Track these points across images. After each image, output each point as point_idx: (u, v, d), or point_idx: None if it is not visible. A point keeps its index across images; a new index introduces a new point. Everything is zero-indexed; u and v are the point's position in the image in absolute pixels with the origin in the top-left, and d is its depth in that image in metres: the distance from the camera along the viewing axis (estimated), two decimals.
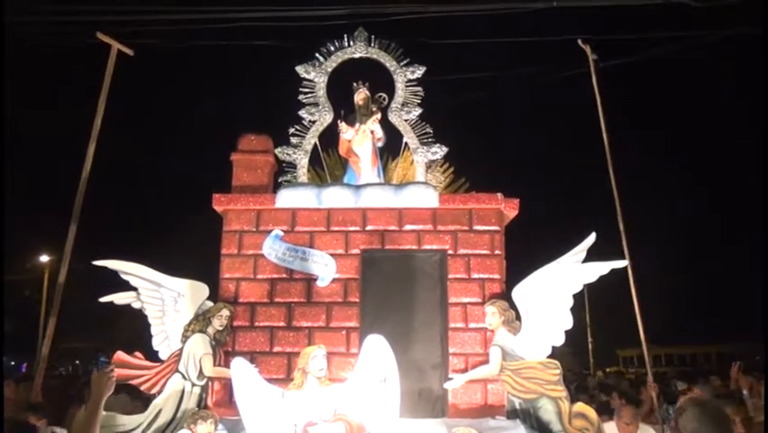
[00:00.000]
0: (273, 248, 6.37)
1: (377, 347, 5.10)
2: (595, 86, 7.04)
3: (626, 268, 6.18)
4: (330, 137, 7.32)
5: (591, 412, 5.73)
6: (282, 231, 6.42)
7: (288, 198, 6.51)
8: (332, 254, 6.34)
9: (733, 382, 7.13)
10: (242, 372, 5.10)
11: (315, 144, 7.17)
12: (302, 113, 7.20)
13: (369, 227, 6.44)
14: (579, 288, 5.97)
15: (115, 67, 6.34)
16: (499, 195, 6.45)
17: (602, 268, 5.94)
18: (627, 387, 10.03)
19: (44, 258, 24.61)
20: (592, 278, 5.95)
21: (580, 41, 7.32)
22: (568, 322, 5.92)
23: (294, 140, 7.11)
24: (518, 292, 6.00)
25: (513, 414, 5.79)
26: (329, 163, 7.41)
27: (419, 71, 7.28)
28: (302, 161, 7.07)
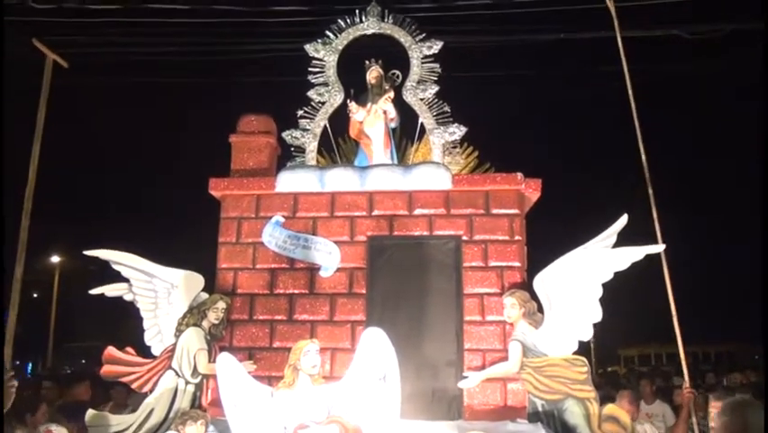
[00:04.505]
0: (273, 235, 5.93)
1: (376, 342, 4.60)
2: (620, 47, 6.35)
3: (657, 255, 5.53)
4: (342, 120, 6.86)
5: (624, 415, 5.14)
6: (283, 217, 5.98)
7: (288, 182, 6.06)
8: (336, 242, 5.88)
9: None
10: (228, 368, 4.67)
11: (326, 127, 6.71)
12: (311, 93, 6.76)
13: (376, 212, 5.94)
14: (609, 276, 5.34)
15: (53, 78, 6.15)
16: (519, 175, 5.86)
17: (635, 253, 5.29)
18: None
19: (55, 258, 25.10)
20: (624, 265, 5.30)
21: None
22: (597, 314, 5.31)
23: (302, 122, 6.67)
24: (541, 281, 5.42)
25: (535, 417, 5.23)
26: (344, 148, 6.95)
27: (436, 46, 6.76)
28: (311, 144, 6.63)
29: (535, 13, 9.37)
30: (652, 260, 5.31)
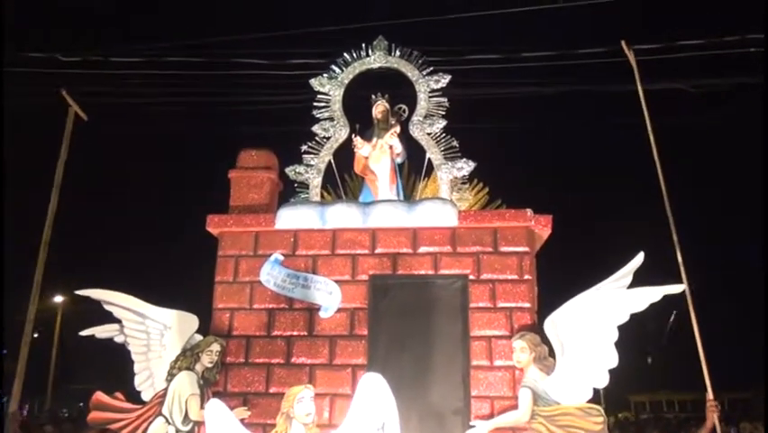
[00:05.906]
0: (272, 274, 5.70)
1: (374, 388, 4.31)
2: (640, 89, 6.19)
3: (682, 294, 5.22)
4: (347, 156, 6.68)
5: None
6: (282, 255, 5.75)
7: (288, 218, 5.86)
8: (337, 281, 5.63)
9: None
10: (217, 416, 4.40)
11: (330, 163, 6.53)
12: (316, 128, 6.61)
13: (378, 250, 5.70)
14: (625, 318, 5.03)
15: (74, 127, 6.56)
16: (529, 211, 5.61)
17: (653, 294, 4.99)
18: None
19: (58, 298, 24.74)
20: (641, 306, 5.00)
21: (623, 43, 6.57)
22: (612, 359, 4.98)
23: (306, 158, 6.50)
24: (552, 324, 5.12)
25: None
26: (350, 185, 6.76)
27: (444, 80, 6.61)
28: (315, 180, 6.44)
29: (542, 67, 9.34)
30: (660, 304, 5.00)
